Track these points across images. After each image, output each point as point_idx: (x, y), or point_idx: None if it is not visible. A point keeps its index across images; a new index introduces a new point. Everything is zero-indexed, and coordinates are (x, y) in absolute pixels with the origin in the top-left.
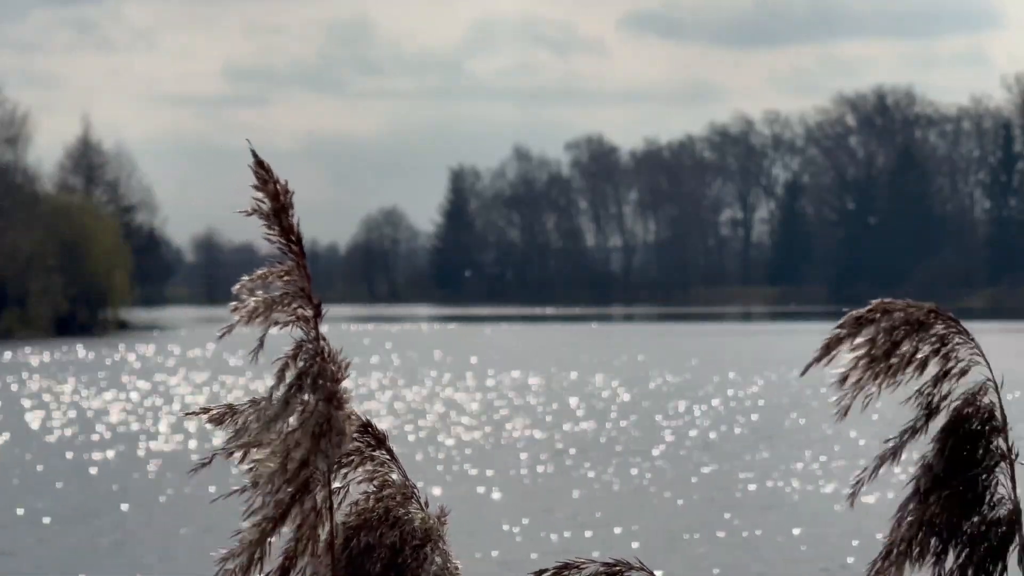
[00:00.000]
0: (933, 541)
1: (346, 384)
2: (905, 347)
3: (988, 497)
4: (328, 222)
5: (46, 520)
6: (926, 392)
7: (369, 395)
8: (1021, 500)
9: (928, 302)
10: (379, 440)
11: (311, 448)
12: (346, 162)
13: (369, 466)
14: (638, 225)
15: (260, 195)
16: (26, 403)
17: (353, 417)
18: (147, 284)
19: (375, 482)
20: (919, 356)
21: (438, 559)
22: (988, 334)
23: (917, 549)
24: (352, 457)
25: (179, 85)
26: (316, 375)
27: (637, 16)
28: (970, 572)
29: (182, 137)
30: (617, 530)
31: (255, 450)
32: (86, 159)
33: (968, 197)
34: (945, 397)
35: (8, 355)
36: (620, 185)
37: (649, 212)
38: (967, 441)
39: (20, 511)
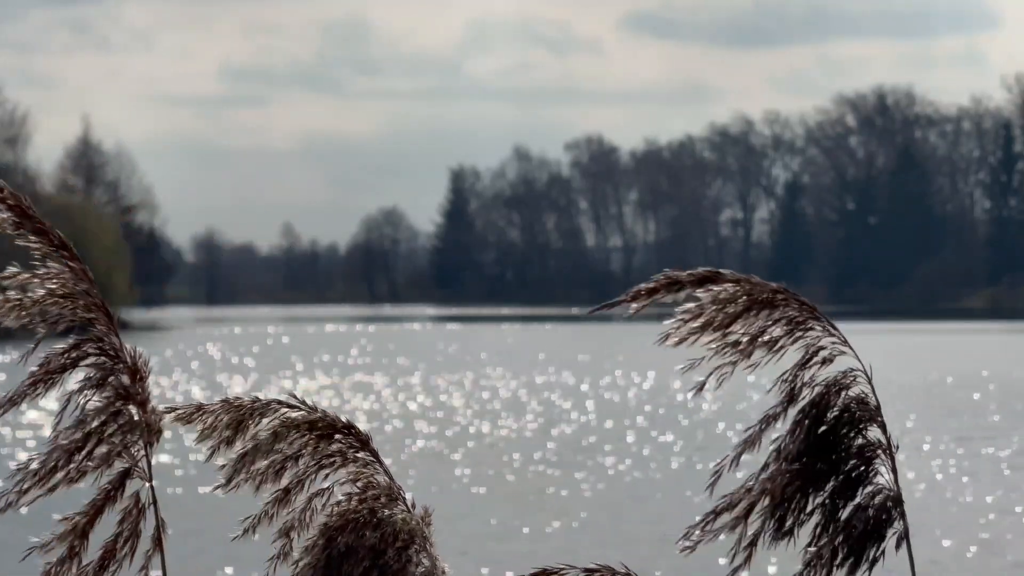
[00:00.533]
0: (790, 520)
1: (149, 382)
2: (746, 323)
3: (863, 485)
4: (327, 222)
5: None
6: (787, 379)
7: (366, 395)
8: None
9: (774, 282)
10: (363, 442)
11: (117, 444)
12: (344, 162)
13: (352, 467)
14: (638, 225)
15: None
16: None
17: (159, 413)
18: (147, 284)
19: (359, 483)
20: (769, 337)
21: (424, 560)
22: (988, 334)
23: (766, 524)
24: (334, 459)
25: (177, 85)
26: (105, 374)
27: (634, 16)
28: (841, 555)
29: (180, 137)
30: (608, 533)
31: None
32: (86, 159)
33: (968, 197)
34: (807, 384)
35: (8, 356)
36: (620, 185)
37: (649, 212)
38: (834, 429)
39: None
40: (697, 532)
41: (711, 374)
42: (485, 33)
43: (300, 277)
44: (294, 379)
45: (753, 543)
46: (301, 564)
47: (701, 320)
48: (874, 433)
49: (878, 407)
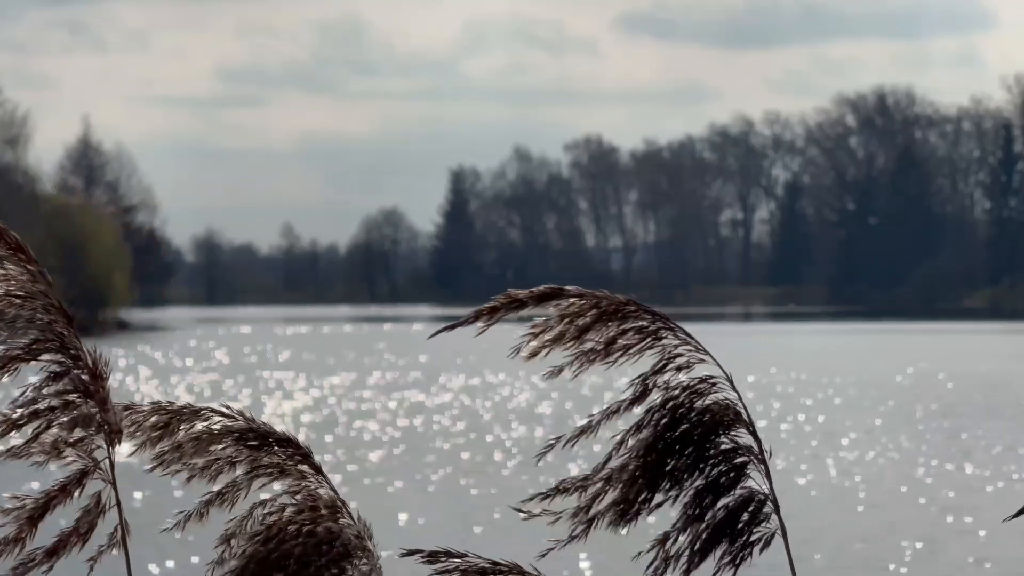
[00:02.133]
0: (636, 511)
1: (108, 382)
2: (598, 333)
3: (732, 489)
4: (324, 222)
5: None
6: (642, 380)
7: (363, 395)
8: (766, 490)
9: (624, 294)
10: (303, 455)
11: (67, 434)
12: (341, 163)
13: (291, 479)
14: (638, 225)
15: None
16: None
17: (120, 414)
18: (147, 284)
19: (298, 496)
20: (624, 343)
21: (363, 569)
22: (988, 334)
23: (611, 511)
24: (272, 470)
25: (173, 86)
26: (65, 371)
27: (629, 17)
28: (708, 553)
29: (177, 138)
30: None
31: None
32: (86, 160)
33: (968, 197)
34: (660, 387)
35: None
36: (620, 185)
37: (649, 212)
38: (695, 432)
39: None
40: (535, 505)
41: (568, 365)
42: (480, 33)
43: (300, 277)
44: (275, 381)
45: (590, 522)
46: (228, 569)
47: (553, 333)
48: (744, 439)
49: (747, 413)
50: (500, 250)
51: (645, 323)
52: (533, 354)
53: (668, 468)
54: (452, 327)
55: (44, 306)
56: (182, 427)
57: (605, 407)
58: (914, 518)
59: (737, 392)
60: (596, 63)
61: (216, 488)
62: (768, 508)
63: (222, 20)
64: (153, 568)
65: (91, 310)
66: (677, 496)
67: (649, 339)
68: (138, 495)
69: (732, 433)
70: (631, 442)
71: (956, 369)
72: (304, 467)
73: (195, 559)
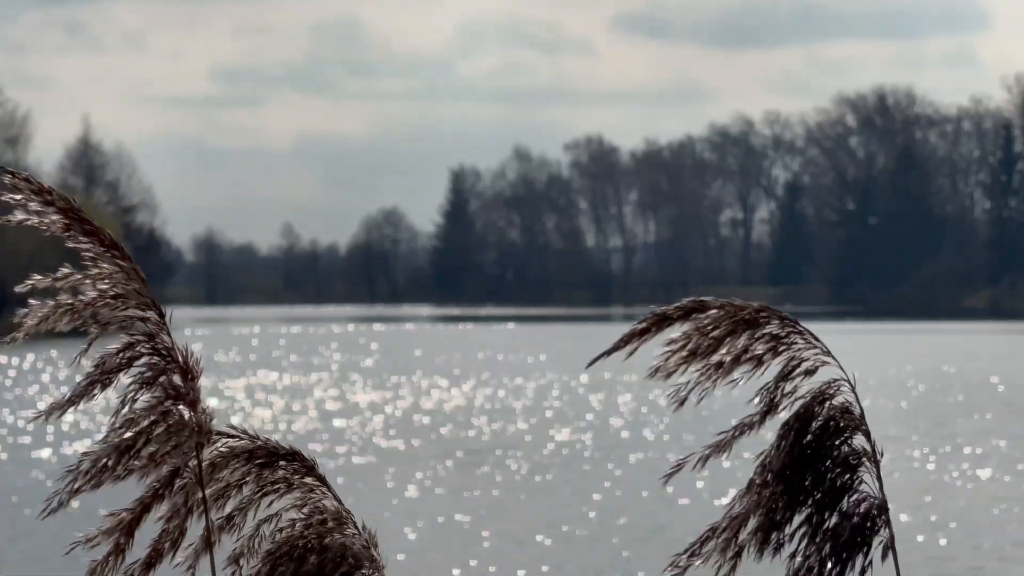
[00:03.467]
0: (777, 534)
1: (202, 382)
2: (731, 344)
3: (849, 493)
4: (322, 222)
5: None
6: (768, 390)
7: (360, 396)
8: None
9: (756, 301)
10: (308, 468)
11: (164, 443)
12: (338, 163)
13: (298, 493)
14: (638, 225)
15: (38, 207)
16: (20, 404)
17: (209, 413)
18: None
19: (305, 509)
20: (753, 354)
21: None
22: (986, 334)
23: (754, 539)
24: (279, 485)
25: (169, 86)
26: (158, 373)
27: (624, 17)
28: (828, 565)
29: (174, 138)
30: (595, 541)
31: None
32: (86, 159)
33: (968, 197)
34: (788, 395)
35: (7, 356)
36: (620, 185)
37: (649, 212)
38: (819, 438)
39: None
40: (684, 558)
41: (691, 390)
42: (476, 34)
43: (300, 277)
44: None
45: (738, 554)
46: None
47: (687, 349)
48: (858, 441)
49: (862, 415)
50: (500, 250)
51: (775, 329)
52: (670, 374)
53: (801, 481)
54: (608, 354)
55: (139, 304)
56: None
57: (737, 423)
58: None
59: (856, 394)
60: (592, 63)
61: (227, 511)
62: (883, 516)
63: (219, 20)
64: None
65: None
66: (808, 510)
67: (778, 345)
68: None
69: (850, 438)
70: (769, 461)
71: (960, 368)
72: (309, 479)
73: None
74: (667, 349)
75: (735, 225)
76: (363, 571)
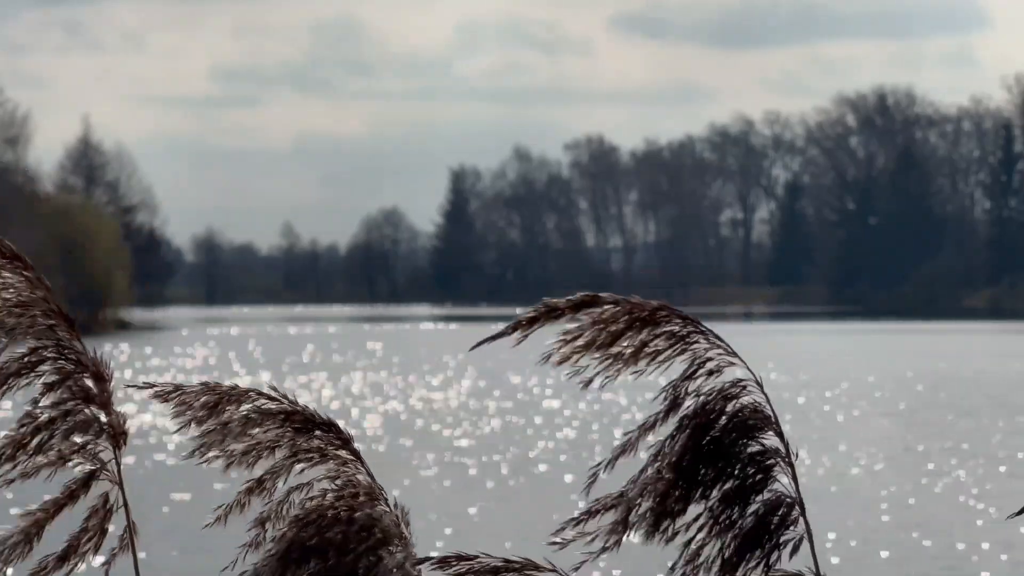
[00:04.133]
0: (670, 521)
1: (111, 384)
2: (629, 340)
3: (759, 492)
4: (321, 222)
5: None
6: (673, 387)
7: (361, 396)
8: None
9: (655, 300)
10: (344, 440)
11: (72, 443)
12: (338, 162)
13: (332, 464)
14: (638, 225)
15: None
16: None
17: (123, 415)
18: (147, 284)
19: (338, 481)
20: (653, 349)
21: (399, 557)
22: (987, 334)
23: (645, 521)
24: (312, 455)
25: (168, 86)
26: (66, 376)
27: (623, 17)
28: (729, 554)
29: (173, 138)
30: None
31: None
32: (87, 159)
33: (968, 197)
34: (692, 393)
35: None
36: (620, 185)
37: (649, 212)
38: (727, 436)
39: None
40: (569, 531)
41: (596, 375)
42: (474, 34)
43: (300, 277)
44: (283, 377)
45: (624, 531)
46: (266, 553)
47: (583, 339)
48: (771, 441)
49: (774, 415)
50: (500, 250)
51: (676, 328)
52: (563, 360)
53: (701, 475)
54: (492, 339)
55: (44, 312)
56: (228, 408)
57: (641, 423)
58: (930, 518)
59: (765, 394)
60: (591, 63)
61: (257, 474)
62: (796, 512)
63: (218, 20)
64: (164, 568)
65: (91, 310)
66: (710, 503)
67: (680, 344)
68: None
69: (760, 436)
70: (665, 451)
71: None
72: (343, 452)
73: (207, 555)
74: (561, 338)
75: (735, 225)
76: (390, 547)
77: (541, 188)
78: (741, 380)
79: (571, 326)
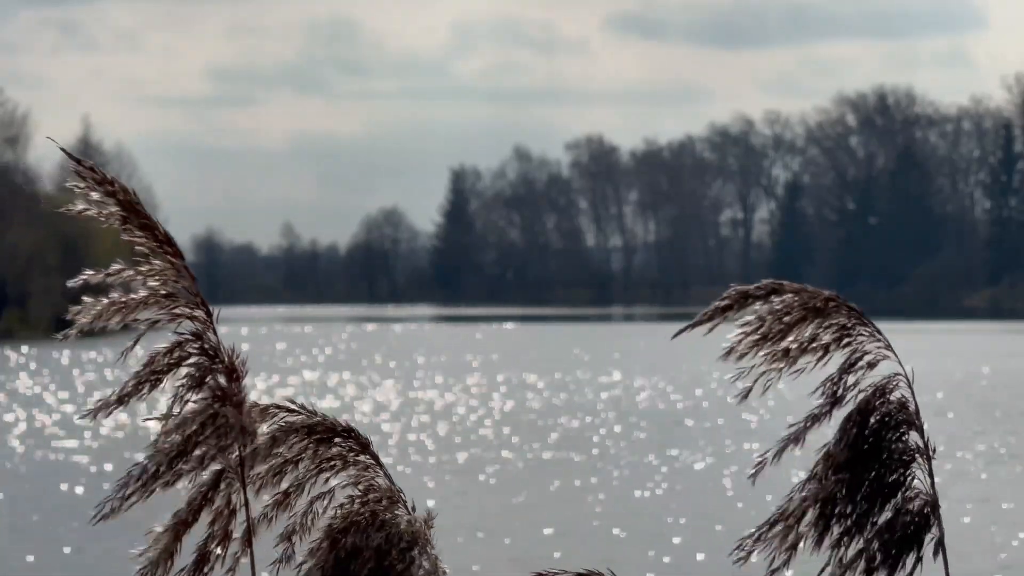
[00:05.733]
0: (836, 527)
1: (246, 382)
2: (799, 332)
3: (902, 489)
4: (320, 222)
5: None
6: (832, 381)
7: (361, 396)
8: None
9: (828, 290)
10: (363, 445)
11: (212, 446)
12: (335, 163)
13: (353, 471)
14: (638, 225)
15: (99, 197)
16: (21, 403)
17: (255, 414)
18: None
19: (360, 486)
20: (820, 343)
21: (425, 563)
22: (986, 334)
23: (813, 531)
24: (335, 462)
25: (164, 86)
26: (204, 373)
27: (618, 17)
28: (878, 559)
29: (169, 138)
30: (605, 536)
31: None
32: (87, 159)
33: (968, 197)
34: (851, 387)
35: (7, 356)
36: (620, 185)
37: (649, 212)
38: (877, 433)
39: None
40: (750, 542)
41: (757, 380)
42: (469, 34)
43: (300, 277)
44: (291, 379)
45: (795, 546)
46: (307, 566)
47: (759, 333)
48: (913, 437)
49: (917, 412)
50: (500, 250)
51: (844, 319)
52: (742, 356)
53: (860, 476)
54: (692, 327)
55: (187, 303)
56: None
57: (807, 414)
58: None
59: (912, 389)
60: (587, 63)
61: (283, 487)
62: (934, 512)
63: (213, 20)
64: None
65: None
66: (860, 505)
67: (845, 336)
68: None
69: (905, 433)
70: (830, 455)
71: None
72: (363, 457)
73: None
74: (741, 331)
75: (735, 225)
76: (418, 549)
77: (541, 188)
78: (895, 375)
79: (750, 317)
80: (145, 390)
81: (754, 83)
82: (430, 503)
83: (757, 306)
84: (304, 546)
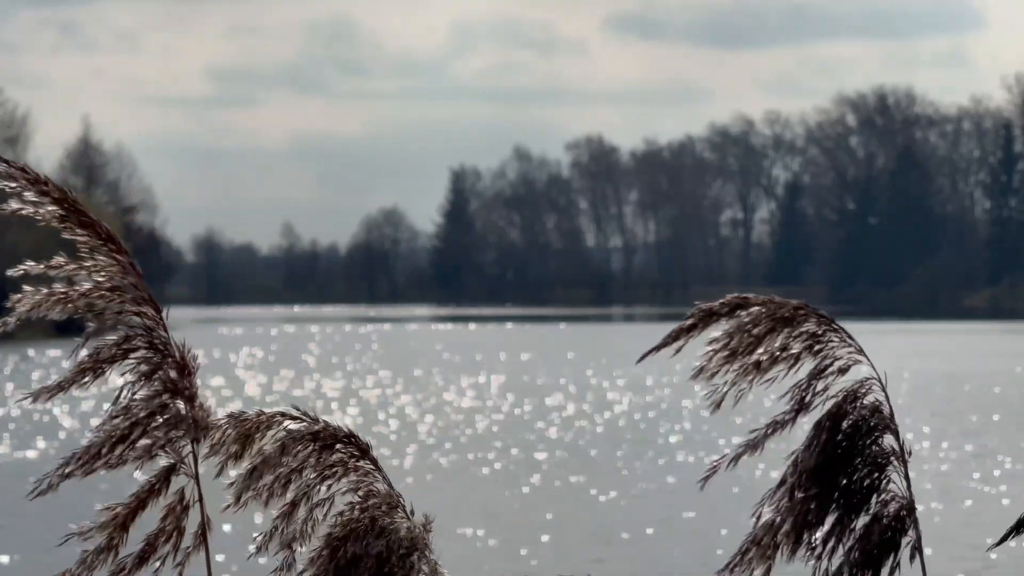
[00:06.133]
0: (808, 535)
1: (196, 378)
2: (769, 343)
3: (877, 493)
4: (320, 222)
5: None
6: (800, 388)
7: (360, 397)
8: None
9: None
10: (363, 451)
11: (161, 437)
12: (335, 163)
13: (353, 476)
14: (638, 225)
15: (34, 196)
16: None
17: (206, 409)
18: (147, 284)
19: (360, 492)
20: (790, 352)
21: (425, 568)
22: (986, 334)
23: (787, 541)
24: (336, 468)
25: (164, 87)
26: (154, 368)
27: (618, 17)
28: (855, 564)
29: (169, 138)
30: (605, 541)
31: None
32: (87, 159)
33: (968, 197)
34: (820, 393)
35: (8, 356)
36: (620, 185)
37: (649, 212)
38: (850, 437)
39: None
40: (727, 574)
41: (728, 391)
42: (469, 34)
43: (300, 277)
44: (292, 382)
45: (772, 556)
46: (308, 575)
47: (729, 348)
48: (888, 440)
49: (892, 415)
50: (500, 250)
51: (813, 327)
52: (712, 375)
53: (832, 481)
54: (656, 350)
55: (134, 299)
56: (257, 440)
57: (769, 421)
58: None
59: (886, 393)
60: (586, 63)
61: (289, 498)
62: (910, 515)
63: (212, 20)
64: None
65: None
66: (837, 510)
67: (815, 343)
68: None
69: (879, 437)
70: (800, 459)
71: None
72: (363, 463)
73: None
74: (710, 348)
75: (735, 225)
76: (417, 554)
77: (541, 188)
78: (867, 379)
79: (717, 334)
80: (88, 378)
81: (754, 83)
82: (428, 506)
83: (723, 323)
84: (304, 554)
